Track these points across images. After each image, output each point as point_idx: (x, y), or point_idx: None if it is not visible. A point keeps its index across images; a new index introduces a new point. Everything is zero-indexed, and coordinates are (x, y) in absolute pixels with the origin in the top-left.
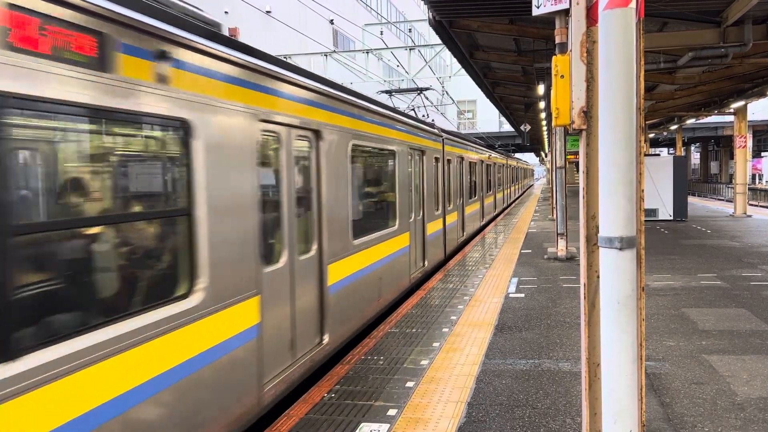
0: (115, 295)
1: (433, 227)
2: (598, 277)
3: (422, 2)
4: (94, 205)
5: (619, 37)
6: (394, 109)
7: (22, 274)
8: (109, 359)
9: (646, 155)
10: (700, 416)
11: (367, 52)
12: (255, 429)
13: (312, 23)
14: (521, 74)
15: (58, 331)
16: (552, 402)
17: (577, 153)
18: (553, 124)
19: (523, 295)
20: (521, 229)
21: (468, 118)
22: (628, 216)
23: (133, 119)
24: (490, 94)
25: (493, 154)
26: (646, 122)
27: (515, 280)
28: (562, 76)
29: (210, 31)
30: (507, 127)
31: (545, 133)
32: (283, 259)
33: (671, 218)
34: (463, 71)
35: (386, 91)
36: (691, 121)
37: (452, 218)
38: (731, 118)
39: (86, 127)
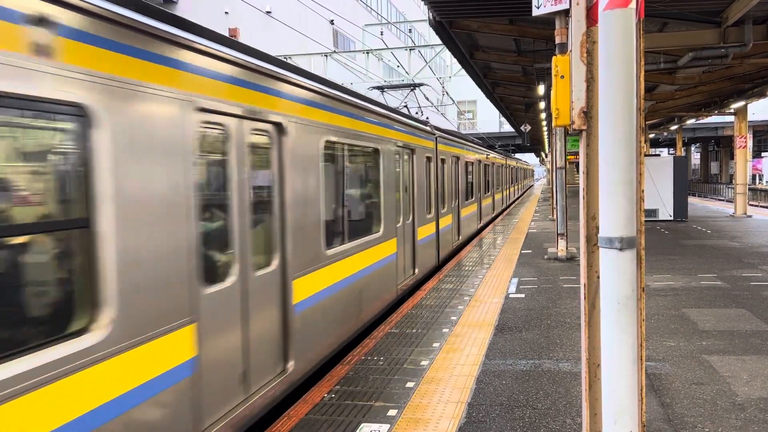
0: None
1: (425, 231)
2: (599, 277)
3: (422, 2)
4: None
5: (619, 37)
6: (378, 103)
7: None
8: None
9: (646, 155)
10: (700, 416)
11: (368, 53)
12: (255, 429)
13: (312, 23)
14: (521, 74)
15: None
16: (552, 402)
17: (577, 153)
18: (553, 124)
19: (523, 295)
20: (521, 229)
21: (468, 119)
22: (628, 216)
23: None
24: (490, 95)
25: (492, 154)
26: (647, 122)
27: (515, 280)
28: (562, 77)
29: None
30: (507, 128)
31: (545, 133)
32: (233, 277)
33: (671, 218)
34: (463, 71)
35: (378, 87)
36: (691, 122)
37: (446, 221)
38: (731, 118)
39: None
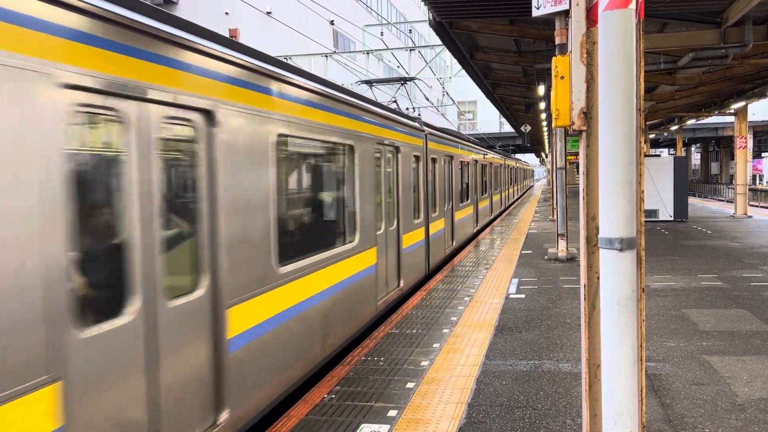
0: None
1: (412, 238)
2: (599, 278)
3: (422, 3)
4: None
5: (619, 38)
6: (353, 93)
7: None
8: None
9: (646, 156)
10: (700, 417)
11: (368, 53)
12: (255, 429)
13: (312, 24)
14: (522, 75)
15: None
16: (552, 403)
17: (577, 154)
18: (553, 125)
19: (523, 295)
20: (522, 229)
21: (468, 119)
22: (628, 217)
23: None
24: (490, 95)
25: (490, 154)
26: (647, 123)
27: (516, 280)
28: (562, 77)
29: None
30: (507, 128)
31: (546, 133)
32: (132, 310)
33: (672, 219)
34: (463, 72)
35: (366, 82)
36: (691, 122)
37: (438, 226)
38: (732, 118)
39: None
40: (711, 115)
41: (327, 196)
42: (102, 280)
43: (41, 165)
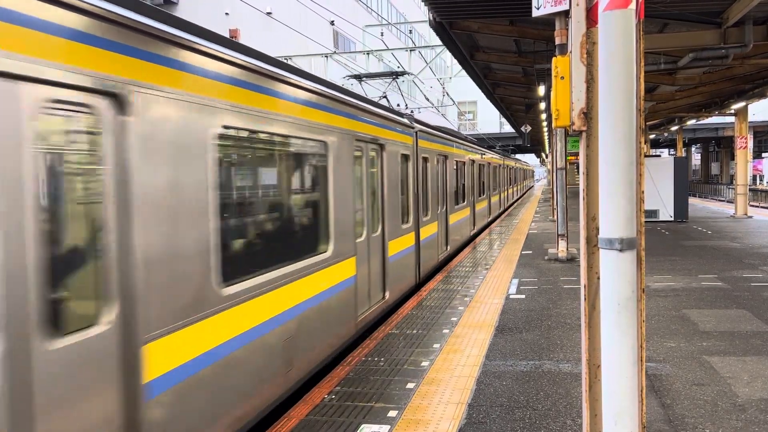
0: None
1: (400, 245)
2: (599, 278)
3: (423, 3)
4: None
5: (619, 38)
6: (325, 82)
7: None
8: None
9: (646, 156)
10: (701, 417)
11: (368, 54)
12: (255, 430)
13: (312, 24)
14: (522, 75)
15: None
16: (552, 403)
17: (577, 154)
18: (554, 125)
19: (523, 296)
20: (522, 230)
21: (468, 119)
22: (629, 217)
23: None
24: (490, 95)
25: (488, 154)
26: (647, 123)
27: (516, 281)
28: (562, 78)
29: None
30: (507, 128)
31: (546, 134)
32: None
33: (672, 219)
34: (463, 72)
35: (355, 76)
36: (691, 122)
37: (430, 230)
38: (732, 119)
39: None
40: (711, 116)
41: (292, 201)
42: None
43: None
